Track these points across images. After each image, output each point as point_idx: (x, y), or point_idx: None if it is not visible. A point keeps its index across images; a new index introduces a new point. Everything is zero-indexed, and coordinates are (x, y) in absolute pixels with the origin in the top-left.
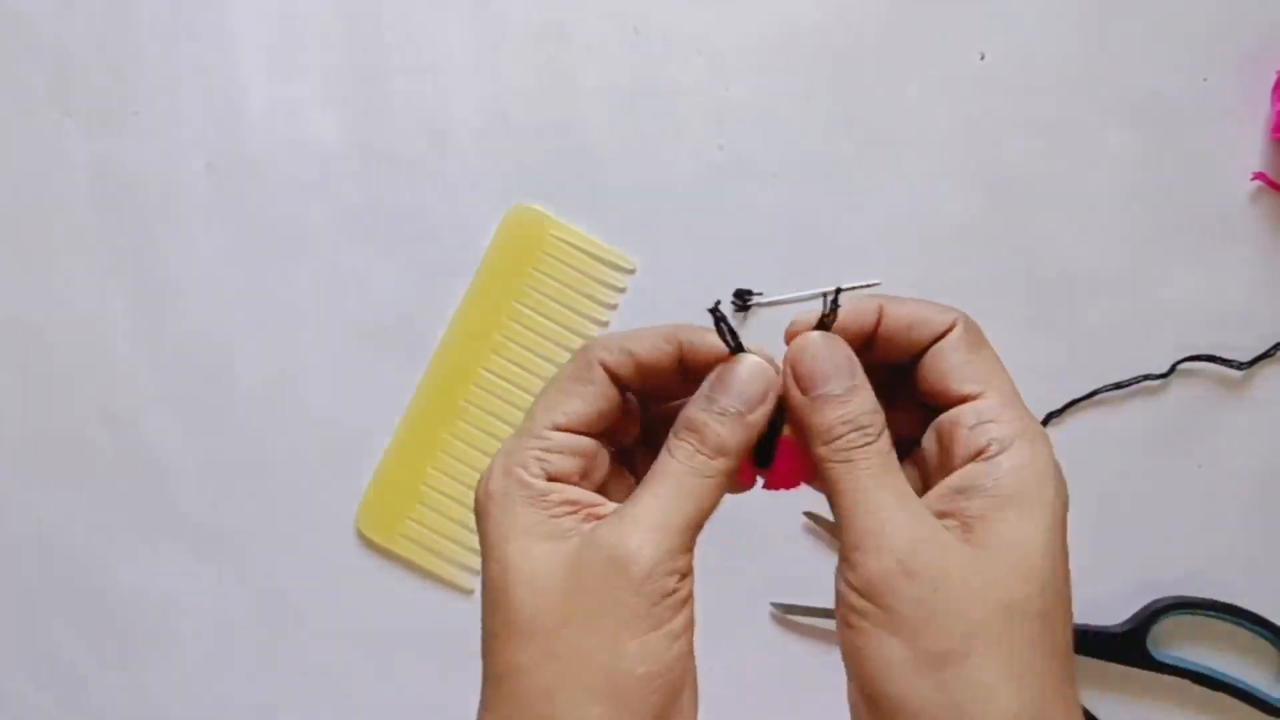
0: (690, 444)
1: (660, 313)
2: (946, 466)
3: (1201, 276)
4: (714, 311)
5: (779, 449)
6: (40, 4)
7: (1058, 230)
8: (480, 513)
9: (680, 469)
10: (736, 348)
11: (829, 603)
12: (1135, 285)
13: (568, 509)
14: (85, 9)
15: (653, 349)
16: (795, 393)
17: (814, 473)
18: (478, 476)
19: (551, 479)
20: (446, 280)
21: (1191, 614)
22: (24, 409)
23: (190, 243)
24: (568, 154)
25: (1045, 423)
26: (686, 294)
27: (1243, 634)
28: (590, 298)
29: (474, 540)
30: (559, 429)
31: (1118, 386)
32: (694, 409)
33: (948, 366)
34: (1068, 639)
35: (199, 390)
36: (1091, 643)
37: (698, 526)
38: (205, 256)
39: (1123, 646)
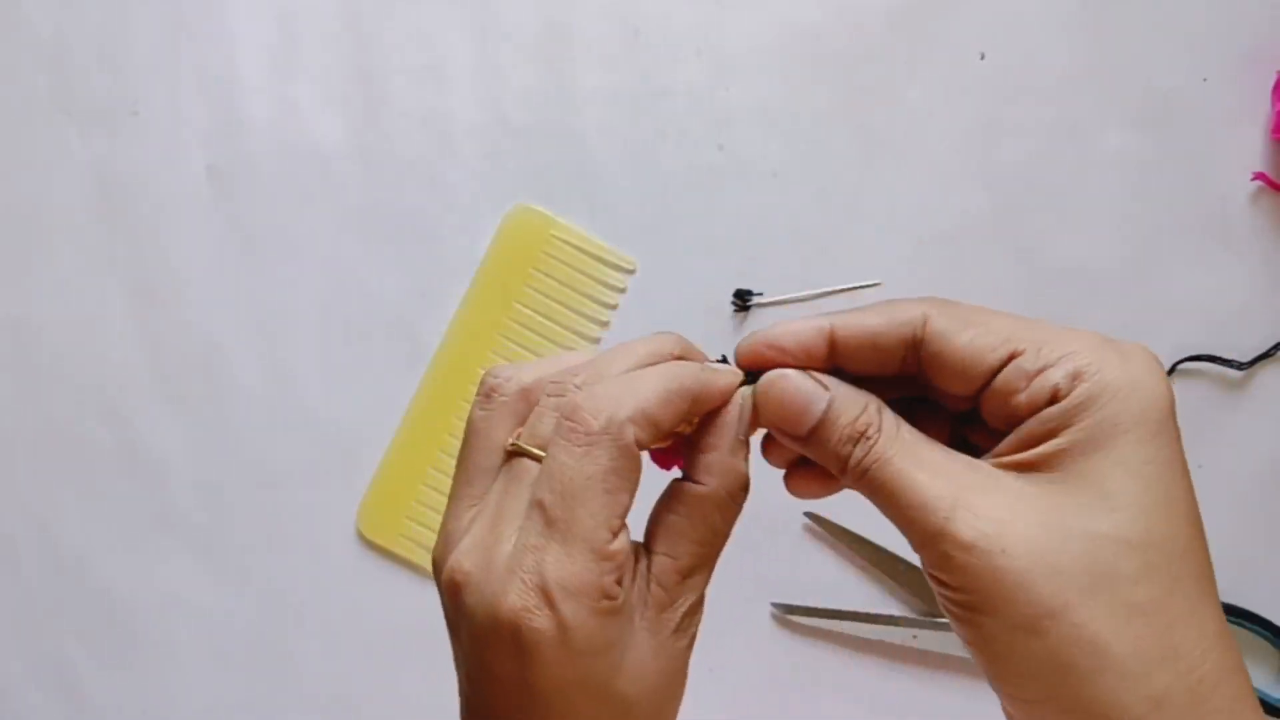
0: (739, 502)
1: (660, 312)
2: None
3: (1201, 276)
4: (724, 359)
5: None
6: (40, 4)
7: (1058, 230)
8: (544, 665)
9: (723, 531)
10: (751, 379)
11: (829, 603)
12: (1135, 285)
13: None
14: (85, 9)
15: (673, 412)
16: (791, 443)
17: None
18: None
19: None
20: (446, 280)
21: None
22: (24, 409)
23: (190, 243)
24: (568, 154)
25: None
26: (686, 294)
27: (1243, 634)
28: (590, 298)
29: None
30: (614, 534)
31: None
32: (738, 466)
33: (958, 352)
34: (1197, 563)
35: (199, 390)
36: None
37: None
38: (205, 256)
39: None
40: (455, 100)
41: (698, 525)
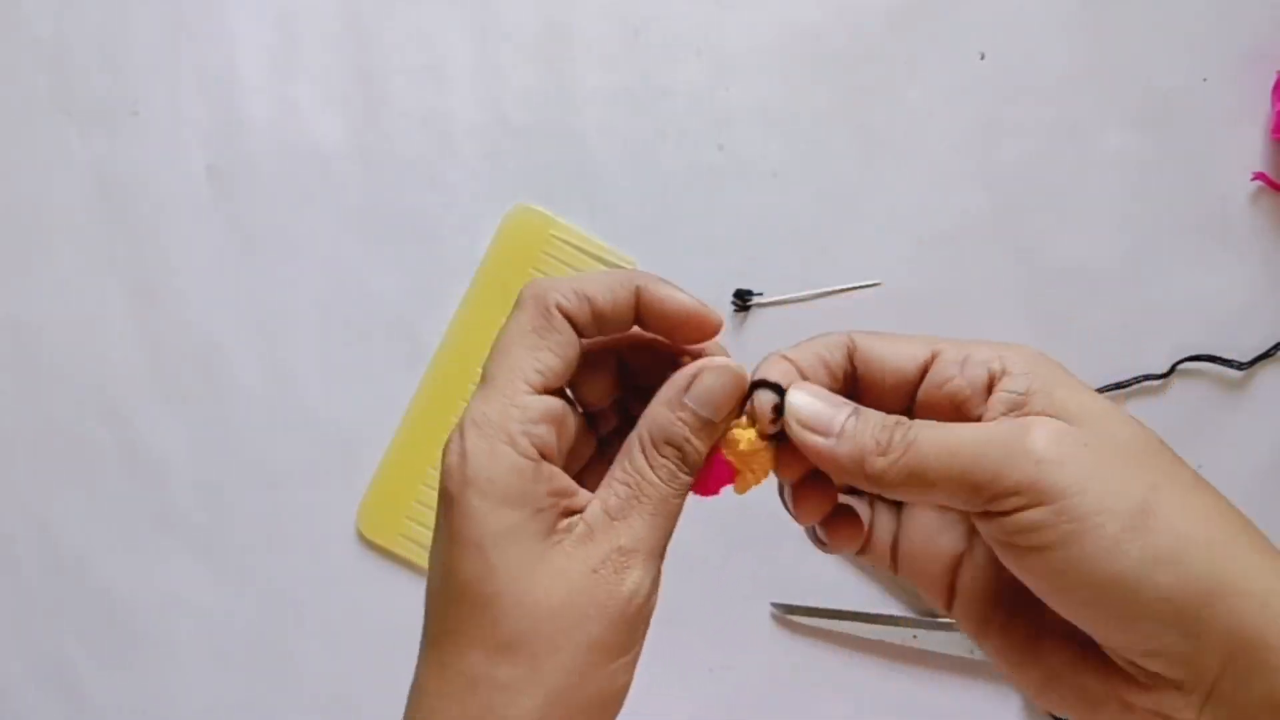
0: (672, 463)
1: None
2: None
3: (1201, 276)
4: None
5: (712, 458)
6: (40, 4)
7: (1058, 230)
8: (452, 496)
9: (666, 492)
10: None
11: (829, 603)
12: (1135, 285)
13: (551, 502)
14: (85, 9)
15: (610, 296)
16: (815, 439)
17: (731, 477)
18: None
19: (543, 459)
20: (446, 280)
21: None
22: (24, 409)
23: (190, 243)
24: (568, 154)
25: None
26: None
27: None
28: None
29: None
30: (534, 389)
31: (1118, 386)
32: (669, 416)
33: (888, 360)
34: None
35: (199, 390)
36: None
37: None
38: (205, 256)
39: None
40: (455, 100)
41: (625, 467)
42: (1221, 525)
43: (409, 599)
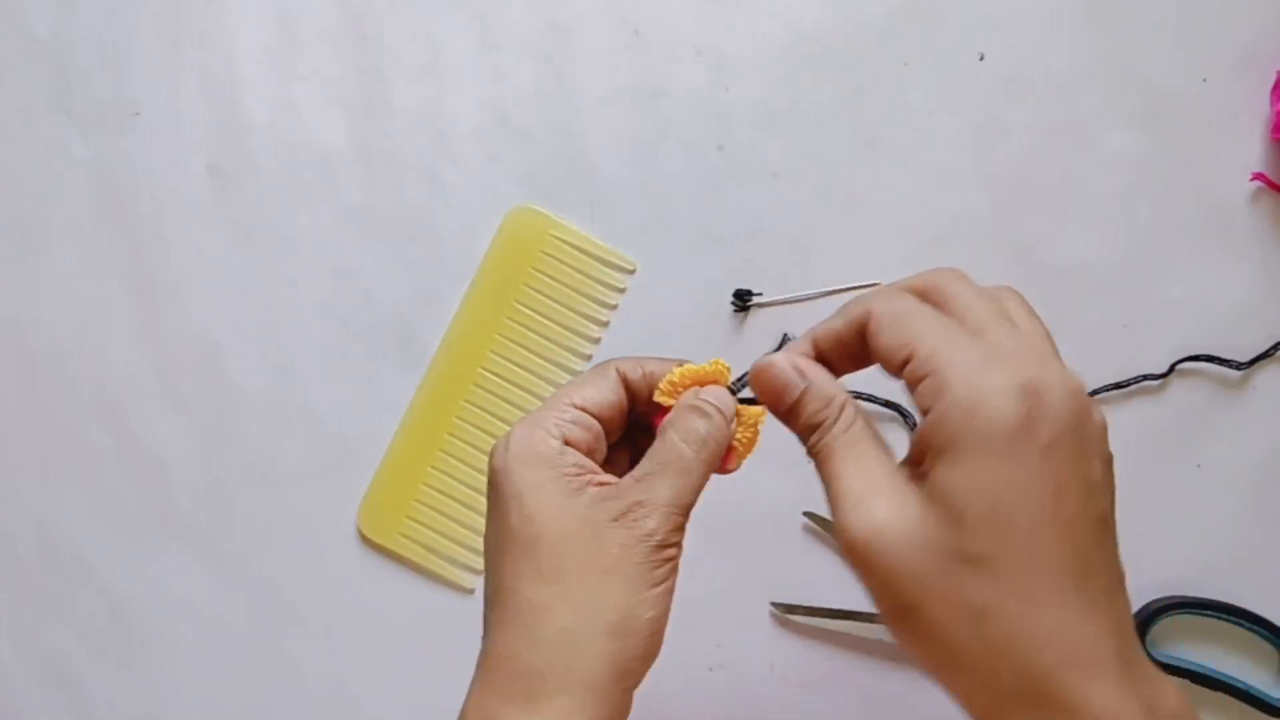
0: (697, 436)
1: (660, 313)
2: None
3: (1201, 276)
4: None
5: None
6: (40, 4)
7: (1057, 230)
8: (500, 470)
9: (690, 456)
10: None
11: (829, 603)
12: (1135, 285)
13: (576, 471)
14: (85, 9)
15: (663, 372)
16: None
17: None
18: (478, 476)
19: (567, 443)
20: (446, 280)
21: (1190, 614)
22: (24, 409)
23: (190, 243)
24: (568, 154)
25: None
26: (686, 294)
27: (1243, 634)
28: (590, 298)
29: (475, 540)
30: (576, 407)
31: (1117, 386)
32: (694, 409)
33: (879, 352)
34: (1047, 568)
35: (199, 390)
36: None
37: (693, 504)
38: (205, 257)
39: None
40: (455, 100)
41: (653, 446)
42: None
43: (409, 599)
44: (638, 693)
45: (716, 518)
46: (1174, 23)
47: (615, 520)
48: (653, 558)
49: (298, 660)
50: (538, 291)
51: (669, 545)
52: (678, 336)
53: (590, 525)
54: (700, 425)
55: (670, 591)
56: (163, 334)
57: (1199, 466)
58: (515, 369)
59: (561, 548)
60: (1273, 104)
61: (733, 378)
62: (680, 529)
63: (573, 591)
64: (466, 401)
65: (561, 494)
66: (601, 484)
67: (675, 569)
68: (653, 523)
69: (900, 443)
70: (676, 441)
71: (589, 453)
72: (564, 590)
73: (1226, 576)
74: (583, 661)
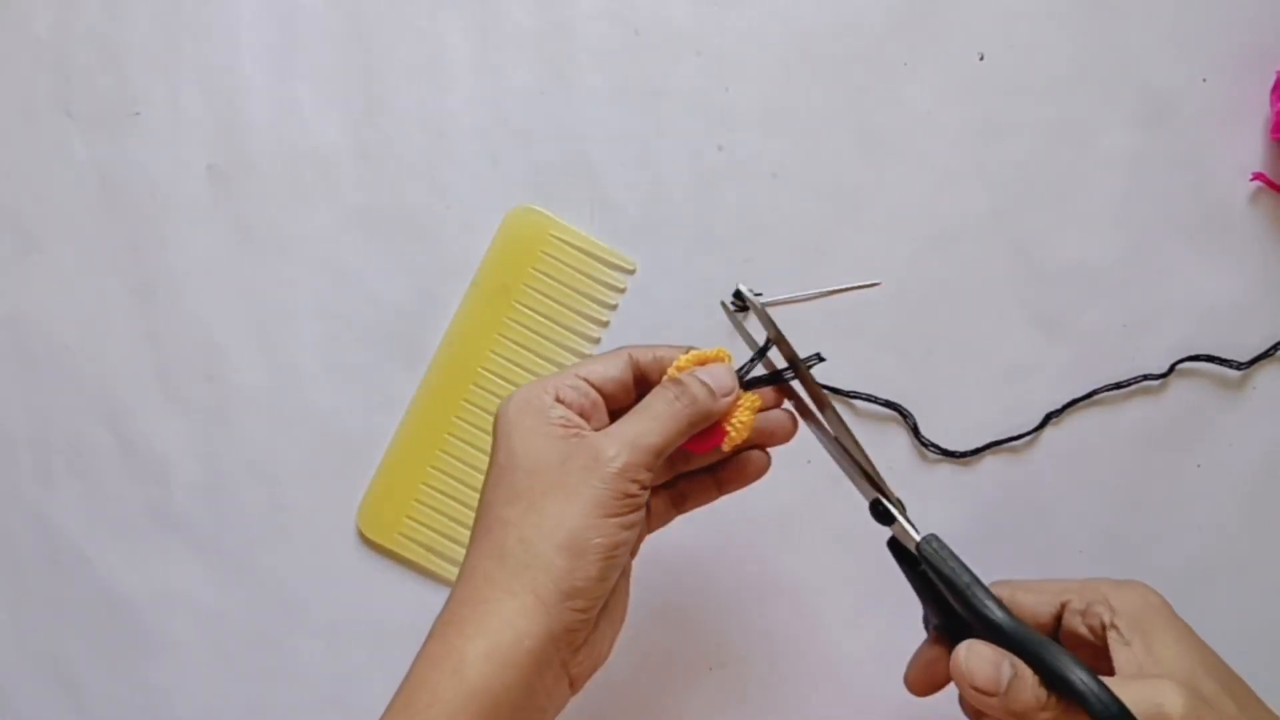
0: (672, 391)
1: (660, 313)
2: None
3: (1200, 276)
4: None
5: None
6: (40, 4)
7: (1057, 230)
8: (498, 417)
9: (661, 407)
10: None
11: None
12: (1134, 285)
13: (563, 423)
14: (85, 9)
15: (672, 357)
16: (984, 699)
17: (722, 437)
18: (478, 476)
19: (559, 402)
20: (446, 280)
21: None
22: (24, 408)
23: (191, 243)
24: (567, 154)
25: (1045, 423)
26: (686, 294)
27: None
28: (590, 298)
29: None
30: (578, 376)
31: (1117, 386)
32: (679, 378)
33: (1019, 607)
34: (1238, 695)
35: (199, 390)
36: None
37: (660, 453)
38: (206, 257)
39: None
40: (455, 100)
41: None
42: None
43: (409, 599)
44: (638, 692)
45: (715, 517)
46: (1174, 23)
47: (581, 451)
48: (610, 486)
49: (298, 660)
50: (538, 291)
51: (628, 479)
52: (678, 336)
53: (560, 456)
54: (676, 386)
55: (627, 529)
56: (163, 334)
57: (1199, 466)
58: (515, 369)
59: (534, 475)
60: (1273, 104)
61: (739, 364)
62: (643, 469)
63: (535, 507)
64: (466, 401)
65: (544, 437)
66: (581, 435)
67: (635, 510)
68: (611, 450)
69: (900, 442)
70: (653, 395)
71: (580, 413)
72: (529, 506)
73: (1225, 577)
74: (531, 571)
